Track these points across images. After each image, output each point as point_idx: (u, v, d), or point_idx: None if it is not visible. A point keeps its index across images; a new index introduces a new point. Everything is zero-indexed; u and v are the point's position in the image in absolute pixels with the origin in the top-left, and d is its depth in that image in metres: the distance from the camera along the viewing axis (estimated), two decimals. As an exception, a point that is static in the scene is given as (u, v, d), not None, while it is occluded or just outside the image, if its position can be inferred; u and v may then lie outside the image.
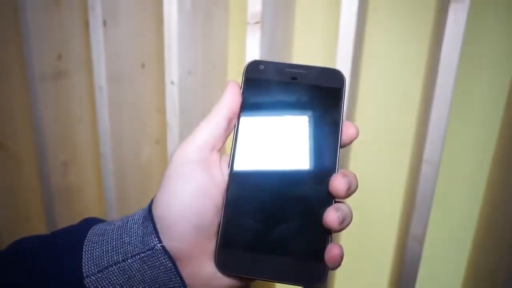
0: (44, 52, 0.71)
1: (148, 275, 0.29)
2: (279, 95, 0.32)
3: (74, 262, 0.29)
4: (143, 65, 0.71)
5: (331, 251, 0.30)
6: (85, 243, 0.30)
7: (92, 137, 0.82)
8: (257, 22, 0.52)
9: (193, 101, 0.63)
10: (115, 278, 0.29)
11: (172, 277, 0.29)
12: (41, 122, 0.73)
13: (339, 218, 0.30)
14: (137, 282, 0.29)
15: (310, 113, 0.32)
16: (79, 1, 0.73)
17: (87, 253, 0.29)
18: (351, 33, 0.50)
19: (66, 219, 0.78)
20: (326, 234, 0.30)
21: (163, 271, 0.29)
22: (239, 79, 0.33)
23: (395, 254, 0.67)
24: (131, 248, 0.29)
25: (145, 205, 0.32)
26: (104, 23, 0.62)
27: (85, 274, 0.29)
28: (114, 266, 0.29)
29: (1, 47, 0.74)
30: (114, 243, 0.30)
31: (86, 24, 0.69)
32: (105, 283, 0.29)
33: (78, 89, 0.78)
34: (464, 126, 0.60)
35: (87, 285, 0.29)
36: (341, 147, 0.32)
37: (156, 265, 0.29)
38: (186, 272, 0.30)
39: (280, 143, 0.32)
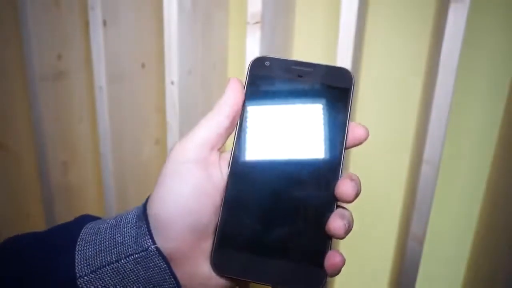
0: (44, 52, 0.71)
1: (142, 276, 0.29)
2: (284, 93, 0.31)
3: (67, 262, 0.29)
4: (143, 65, 0.71)
5: (332, 258, 0.29)
6: (78, 242, 0.29)
7: (92, 137, 0.82)
8: (257, 22, 0.52)
9: (193, 101, 0.63)
10: (108, 278, 0.28)
11: (167, 277, 0.29)
12: (41, 122, 0.73)
13: (345, 225, 0.29)
14: (131, 283, 0.29)
15: (315, 113, 0.31)
16: (79, 1, 0.73)
17: (80, 252, 0.29)
18: (351, 33, 0.50)
19: (66, 219, 0.77)
20: (326, 239, 0.29)
21: (157, 272, 0.29)
22: (240, 79, 0.33)
23: (395, 254, 0.67)
24: (124, 248, 0.29)
25: (145, 205, 0.32)
26: (104, 23, 0.62)
27: (78, 275, 0.28)
28: (107, 267, 0.28)
29: (1, 47, 0.74)
30: (107, 243, 0.29)
31: (86, 24, 0.69)
32: (98, 284, 0.28)
33: (78, 89, 0.78)
34: (464, 126, 0.60)
35: (80, 286, 0.28)
36: (347, 148, 0.31)
37: (150, 266, 0.29)
38: (182, 272, 0.29)
39: (282, 143, 0.31)
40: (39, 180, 0.78)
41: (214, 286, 0.30)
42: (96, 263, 0.29)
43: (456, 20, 0.46)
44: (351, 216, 0.30)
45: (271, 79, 0.31)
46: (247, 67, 0.32)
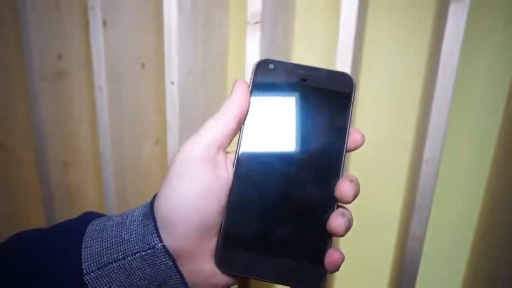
0: (44, 52, 0.71)
1: (148, 273, 0.29)
2: (288, 96, 0.32)
3: (73, 258, 0.29)
4: (143, 65, 0.71)
5: (332, 256, 0.30)
6: (84, 239, 0.30)
7: (92, 137, 0.82)
8: (257, 22, 0.52)
9: (193, 101, 0.63)
10: (115, 275, 0.29)
11: (173, 275, 0.29)
12: (41, 121, 0.73)
13: (345, 224, 0.30)
14: (137, 280, 0.29)
15: (317, 115, 0.32)
16: (79, 1, 0.73)
17: (86, 249, 0.29)
18: (351, 33, 0.50)
19: (66, 219, 0.78)
20: (327, 238, 0.30)
21: (163, 269, 0.29)
22: (245, 80, 0.33)
23: (395, 254, 0.67)
24: (131, 246, 0.29)
25: (145, 205, 0.32)
26: (104, 23, 0.62)
27: (85, 271, 0.29)
28: (114, 264, 0.29)
29: (1, 47, 0.74)
30: (114, 240, 0.29)
31: (86, 24, 0.69)
32: (105, 280, 0.29)
33: (78, 89, 0.78)
34: (464, 126, 0.60)
35: (87, 282, 0.29)
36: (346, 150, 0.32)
37: (157, 263, 0.29)
38: (187, 269, 0.30)
39: (285, 144, 0.31)
40: (39, 180, 0.78)
41: (217, 283, 0.31)
42: (103, 260, 0.29)
43: (456, 20, 0.46)
44: (351, 215, 0.31)
45: (275, 81, 0.32)
46: (252, 69, 0.32)
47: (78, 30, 0.74)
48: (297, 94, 0.32)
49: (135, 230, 0.30)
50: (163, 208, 0.29)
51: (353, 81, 0.32)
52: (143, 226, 0.30)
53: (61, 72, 0.74)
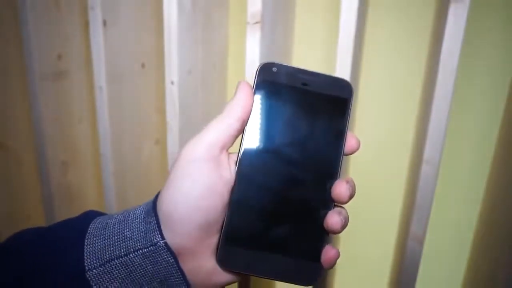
0: (44, 52, 0.71)
1: (149, 270, 0.29)
2: (289, 99, 0.33)
3: (76, 255, 0.29)
4: (143, 65, 0.71)
5: (327, 253, 0.32)
6: (87, 236, 0.30)
7: (92, 137, 0.82)
8: (257, 22, 0.52)
9: (193, 101, 0.63)
10: (116, 272, 0.29)
11: (174, 272, 0.30)
12: (41, 121, 0.73)
13: (342, 221, 0.31)
14: (138, 276, 0.29)
15: (317, 119, 0.33)
16: (79, 1, 0.73)
17: (88, 246, 0.30)
18: (351, 33, 0.50)
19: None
20: (323, 236, 0.32)
21: (164, 266, 0.30)
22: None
23: (395, 254, 0.67)
24: (133, 243, 0.29)
25: (145, 205, 0.32)
26: (104, 23, 0.62)
27: (87, 268, 0.29)
28: (116, 260, 0.29)
29: (1, 46, 0.74)
30: (116, 237, 0.30)
31: (86, 24, 0.69)
32: (106, 277, 0.29)
33: (78, 89, 0.78)
34: (464, 126, 0.60)
35: (89, 278, 0.29)
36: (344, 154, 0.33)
37: (158, 260, 0.29)
38: (188, 267, 0.30)
39: (286, 146, 0.32)
40: (39, 180, 0.78)
41: (217, 281, 0.32)
42: (105, 257, 0.29)
43: (456, 20, 0.46)
44: (347, 213, 0.32)
45: (278, 84, 0.33)
46: (255, 71, 0.33)
47: (78, 30, 0.75)
48: (298, 98, 0.33)
49: (137, 228, 0.30)
50: (165, 206, 0.30)
51: (352, 88, 0.34)
52: (145, 223, 0.30)
53: (61, 72, 0.74)
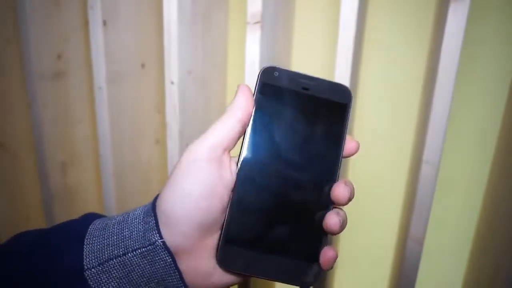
0: (44, 52, 0.71)
1: (147, 270, 0.30)
2: (290, 103, 0.34)
3: (75, 255, 0.30)
4: (143, 65, 0.71)
5: (326, 254, 0.32)
6: (87, 237, 0.30)
7: (92, 137, 0.82)
8: (257, 22, 0.52)
9: (193, 101, 0.63)
10: (114, 271, 0.29)
11: (171, 272, 0.30)
12: (40, 122, 0.73)
13: (340, 222, 0.32)
14: (136, 277, 0.30)
15: (316, 123, 0.34)
16: (78, 1, 0.73)
17: (88, 246, 0.30)
18: (351, 33, 0.50)
19: (66, 219, 0.78)
20: (322, 237, 0.33)
21: (162, 266, 0.30)
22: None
23: (395, 254, 0.67)
24: (131, 242, 0.30)
25: (145, 205, 0.32)
26: (104, 23, 0.62)
27: (86, 267, 0.29)
28: (114, 260, 0.29)
29: (0, 47, 0.74)
30: (115, 237, 0.30)
31: (86, 23, 0.69)
32: (104, 276, 0.29)
33: (77, 89, 0.78)
34: (464, 126, 0.60)
35: (88, 278, 0.29)
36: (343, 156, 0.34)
37: (156, 260, 0.29)
38: (186, 267, 0.30)
39: (286, 149, 0.33)
40: (38, 180, 0.78)
41: (216, 281, 0.32)
42: (103, 256, 0.29)
43: (456, 19, 0.46)
44: (345, 215, 0.33)
45: (279, 88, 0.34)
46: (258, 74, 0.34)
47: (78, 30, 0.74)
48: (298, 102, 0.34)
49: (136, 228, 0.30)
50: (165, 206, 0.30)
51: (351, 94, 0.35)
52: (144, 223, 0.30)
53: (60, 72, 0.74)
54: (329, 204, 0.33)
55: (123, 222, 0.31)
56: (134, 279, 0.30)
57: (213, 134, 0.31)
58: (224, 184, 0.31)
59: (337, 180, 0.33)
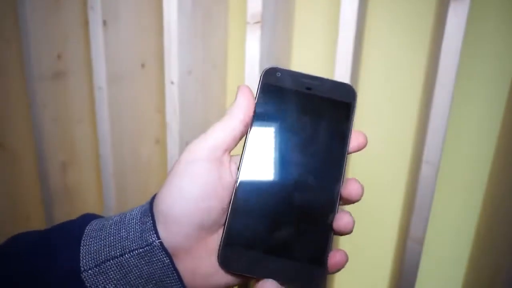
0: (44, 52, 0.71)
1: (145, 271, 0.29)
2: (293, 103, 0.33)
3: (72, 257, 0.29)
4: (143, 65, 0.71)
5: (335, 256, 0.31)
6: (83, 238, 0.30)
7: (92, 137, 0.82)
8: (257, 22, 0.52)
9: (193, 101, 0.63)
10: (112, 273, 0.29)
11: (169, 273, 0.29)
12: (40, 122, 0.73)
13: (354, 221, 0.31)
14: (134, 278, 0.29)
15: (320, 123, 0.33)
16: (78, 1, 0.73)
17: (85, 247, 0.29)
18: (351, 33, 0.50)
19: (66, 219, 0.78)
20: (328, 239, 0.32)
21: (160, 267, 0.29)
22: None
23: (395, 254, 0.67)
24: (128, 243, 0.29)
25: (145, 205, 0.32)
26: (104, 23, 0.62)
27: (82, 268, 0.29)
28: (111, 261, 0.29)
29: (0, 47, 0.74)
30: (112, 238, 0.30)
31: (86, 23, 0.69)
32: (101, 278, 0.29)
33: (77, 89, 0.78)
34: (464, 126, 0.60)
35: (84, 279, 0.28)
36: (349, 153, 0.33)
37: (154, 260, 0.29)
38: (184, 268, 0.30)
39: (289, 149, 0.33)
40: (38, 180, 0.78)
41: (216, 283, 0.31)
42: (100, 257, 0.29)
43: (456, 19, 0.46)
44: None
45: (282, 89, 0.33)
46: (260, 75, 0.34)
47: (77, 30, 0.74)
48: (301, 102, 0.33)
49: (133, 228, 0.30)
50: (162, 205, 0.30)
51: (355, 92, 0.34)
52: (141, 223, 0.30)
53: (60, 72, 0.74)
54: (335, 204, 0.32)
55: (120, 222, 0.30)
56: (131, 280, 0.29)
57: (213, 135, 0.31)
58: (223, 185, 0.31)
59: (343, 180, 0.33)
